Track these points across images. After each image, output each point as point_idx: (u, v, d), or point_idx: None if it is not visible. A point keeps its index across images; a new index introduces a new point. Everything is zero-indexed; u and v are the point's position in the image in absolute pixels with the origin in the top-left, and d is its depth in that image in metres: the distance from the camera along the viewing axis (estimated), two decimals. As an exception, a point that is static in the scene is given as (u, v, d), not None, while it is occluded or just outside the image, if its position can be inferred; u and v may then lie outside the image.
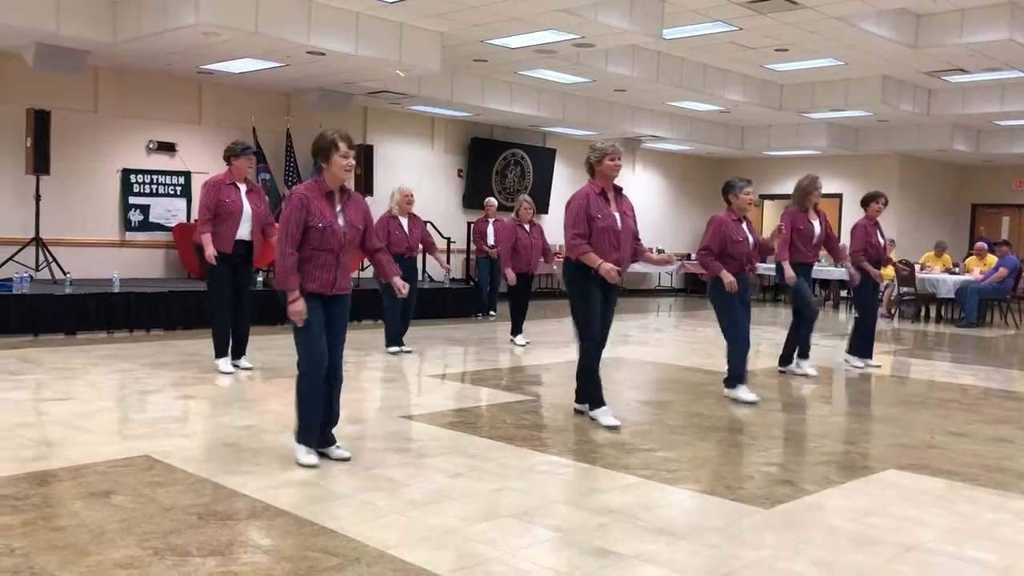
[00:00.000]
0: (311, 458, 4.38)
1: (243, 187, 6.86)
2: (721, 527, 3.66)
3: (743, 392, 6.42)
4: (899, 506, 4.05)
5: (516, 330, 9.49)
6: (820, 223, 7.65)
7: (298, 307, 4.27)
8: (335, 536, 3.39)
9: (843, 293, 16.33)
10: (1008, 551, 3.50)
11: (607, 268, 5.23)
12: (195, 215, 11.69)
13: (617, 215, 5.45)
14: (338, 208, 4.41)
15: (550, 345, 9.44)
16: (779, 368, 7.91)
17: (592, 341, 5.52)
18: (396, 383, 7.03)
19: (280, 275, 4.30)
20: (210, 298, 7.11)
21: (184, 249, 11.44)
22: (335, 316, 4.48)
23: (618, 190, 5.58)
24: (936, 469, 4.73)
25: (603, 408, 5.55)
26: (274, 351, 8.07)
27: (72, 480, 4.02)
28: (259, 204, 6.92)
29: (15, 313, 8.55)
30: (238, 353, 7.14)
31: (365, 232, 4.54)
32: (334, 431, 4.57)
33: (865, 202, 8.33)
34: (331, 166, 4.36)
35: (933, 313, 14.35)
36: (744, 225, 6.56)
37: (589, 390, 5.61)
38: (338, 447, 4.56)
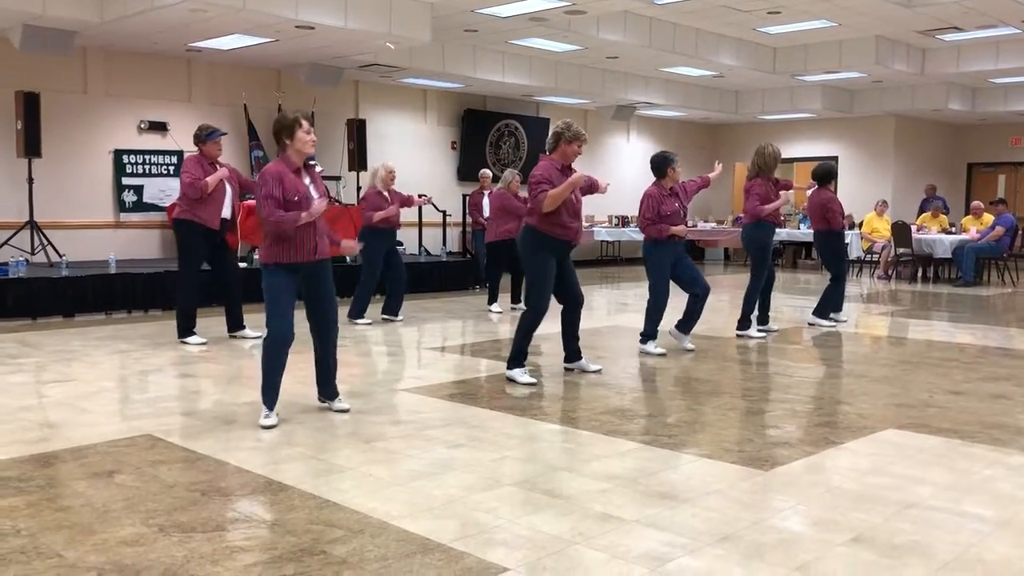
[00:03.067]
0: (271, 420, 4.67)
1: (220, 169, 7.25)
2: (722, 490, 3.68)
3: (652, 347, 7.05)
4: (898, 465, 4.07)
5: (516, 299, 9.66)
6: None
7: (319, 207, 4.66)
8: (338, 509, 3.42)
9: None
10: (1006, 506, 3.53)
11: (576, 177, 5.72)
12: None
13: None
14: (307, 181, 4.77)
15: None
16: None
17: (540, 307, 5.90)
18: (395, 356, 7.05)
19: (285, 226, 4.58)
20: (185, 274, 7.35)
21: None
22: (321, 279, 4.83)
23: (571, 169, 5.88)
24: (934, 427, 4.76)
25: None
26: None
27: (75, 461, 4.04)
28: (233, 181, 7.40)
29: (12, 297, 8.54)
30: (239, 324, 7.56)
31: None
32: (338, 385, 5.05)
33: (824, 178, 8.64)
34: (295, 142, 4.70)
35: (931, 273, 14.37)
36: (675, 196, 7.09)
37: (526, 348, 5.98)
38: (340, 400, 5.02)
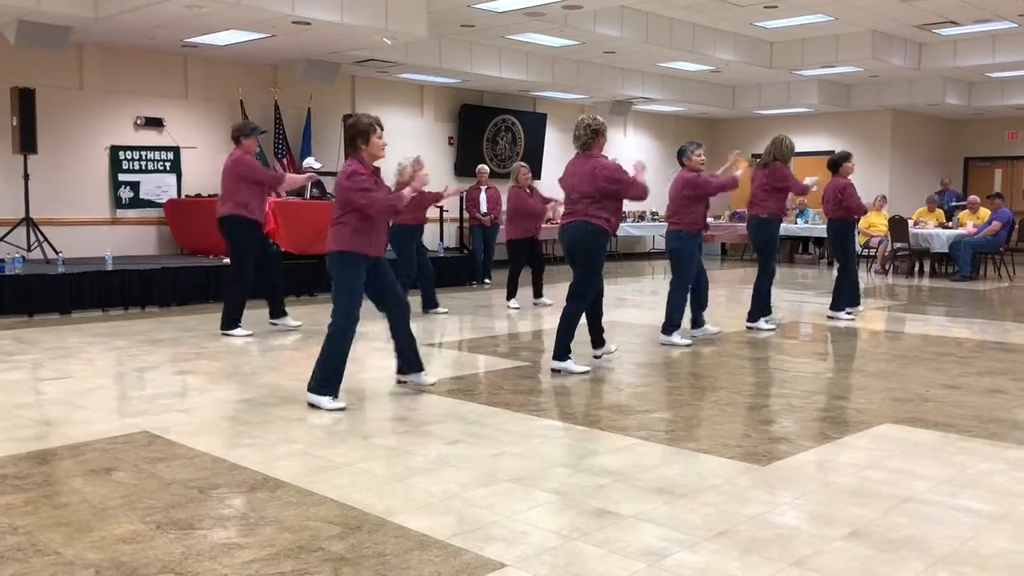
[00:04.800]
0: (338, 403, 4.93)
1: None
2: (719, 485, 3.69)
3: (678, 337, 7.21)
4: (895, 459, 4.08)
5: (538, 293, 9.82)
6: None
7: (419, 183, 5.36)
8: (336, 505, 3.42)
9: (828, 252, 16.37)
10: (1002, 500, 3.54)
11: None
12: (186, 190, 11.70)
13: None
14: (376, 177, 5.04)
15: (550, 309, 9.46)
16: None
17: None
18: (393, 352, 7.05)
19: (391, 206, 4.97)
20: (242, 269, 7.51)
21: (176, 224, 11.41)
22: (385, 269, 5.13)
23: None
24: (931, 422, 4.77)
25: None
26: (269, 325, 8.08)
27: (72, 458, 4.04)
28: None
29: (8, 294, 8.53)
30: (281, 311, 7.85)
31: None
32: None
33: (837, 164, 8.84)
34: (370, 146, 4.99)
35: (927, 268, 14.38)
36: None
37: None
38: (425, 373, 5.43)
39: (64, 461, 4.01)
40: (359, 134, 4.97)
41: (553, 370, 6.02)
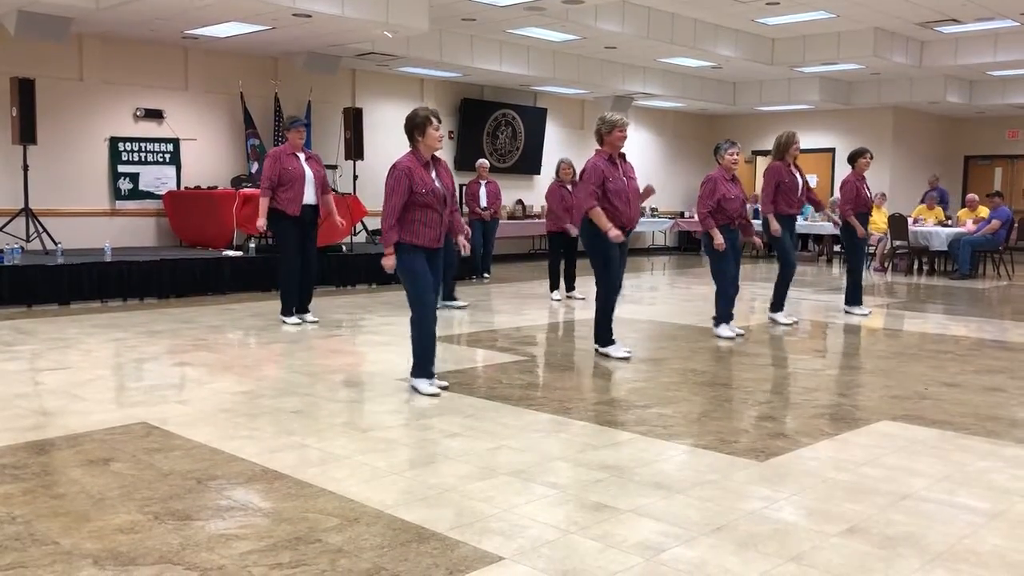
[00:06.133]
0: (433, 388, 5.14)
1: (302, 156, 7.65)
2: (716, 480, 3.69)
3: (724, 330, 7.34)
4: (892, 456, 4.09)
5: (571, 287, 10.12)
6: (800, 176, 8.14)
7: (389, 262, 5.06)
8: (334, 497, 3.42)
9: (836, 248, 16.38)
10: (999, 497, 3.55)
11: (614, 234, 6.00)
12: (185, 182, 11.71)
13: (625, 179, 6.20)
14: (433, 174, 5.09)
15: (550, 302, 9.46)
16: (770, 315, 8.36)
17: (610, 287, 6.36)
18: (392, 346, 7.05)
19: (384, 236, 5.05)
20: (281, 258, 7.82)
21: (175, 216, 11.41)
22: (435, 265, 5.23)
23: (622, 156, 6.28)
24: (929, 419, 4.78)
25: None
26: (268, 317, 8.08)
27: (70, 448, 4.04)
28: (319, 170, 7.77)
29: (7, 284, 8.53)
30: (304, 307, 7.88)
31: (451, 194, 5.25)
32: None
33: (852, 158, 8.81)
34: (426, 138, 5.03)
35: (926, 266, 14.38)
36: (734, 183, 7.29)
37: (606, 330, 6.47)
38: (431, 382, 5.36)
39: (62, 451, 4.01)
40: (416, 127, 5.05)
41: (597, 352, 6.53)
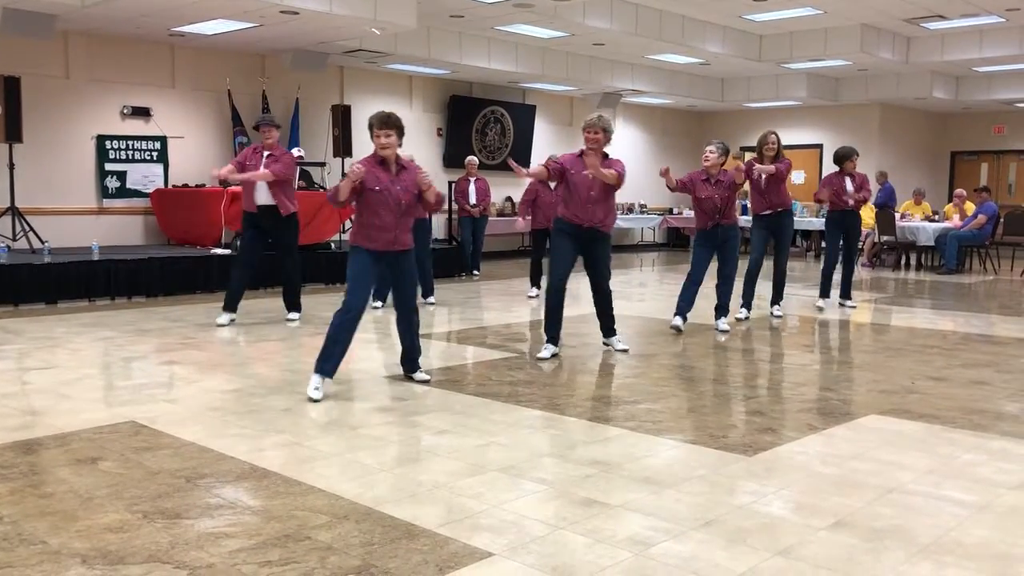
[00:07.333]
0: (318, 393, 4.94)
1: (267, 153, 7.55)
2: (705, 475, 3.71)
3: (676, 321, 7.52)
4: (879, 450, 4.11)
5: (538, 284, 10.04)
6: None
7: (354, 174, 4.96)
8: (323, 495, 3.42)
9: (823, 244, 16.43)
10: (985, 490, 3.57)
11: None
12: (173, 180, 11.67)
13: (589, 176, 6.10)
14: (391, 177, 5.11)
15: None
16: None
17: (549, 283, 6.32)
18: (381, 343, 7.05)
19: (329, 198, 5.13)
20: (235, 255, 7.91)
21: (163, 214, 11.36)
22: (400, 269, 5.24)
23: (604, 155, 6.20)
24: (916, 413, 4.81)
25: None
26: (256, 315, 8.06)
27: (58, 447, 4.02)
28: (268, 164, 7.51)
29: (-6, 284, 8.48)
30: (288, 307, 7.91)
31: (421, 194, 5.22)
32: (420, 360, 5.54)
33: (840, 159, 9.04)
34: (374, 142, 5.13)
35: (913, 261, 14.46)
36: (712, 182, 7.34)
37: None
38: (421, 372, 5.52)
39: (50, 450, 3.99)
40: (369, 129, 5.18)
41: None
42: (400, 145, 5.17)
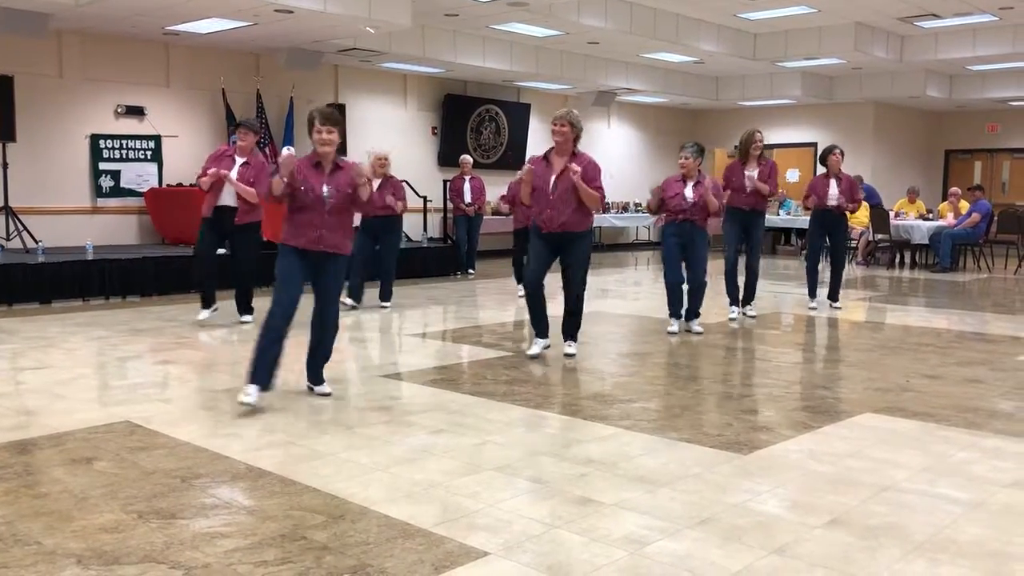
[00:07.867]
0: (249, 398, 4.67)
1: (240, 159, 7.37)
2: (700, 473, 3.71)
3: (672, 326, 7.38)
4: (874, 448, 4.12)
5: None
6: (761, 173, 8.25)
7: (284, 167, 4.70)
8: (319, 494, 3.42)
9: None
10: (979, 488, 3.59)
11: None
12: (167, 180, 11.64)
13: (551, 178, 5.97)
14: (324, 177, 4.82)
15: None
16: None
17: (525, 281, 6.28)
18: (377, 343, 7.05)
19: (263, 194, 5.07)
20: (195, 254, 7.70)
21: (157, 214, 11.34)
22: (322, 271, 4.88)
23: (574, 153, 6.01)
24: (910, 411, 4.82)
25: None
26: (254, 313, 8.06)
27: (53, 448, 4.02)
28: (245, 175, 7.29)
29: (-12, 283, 8.45)
30: (241, 309, 7.75)
31: (354, 194, 4.89)
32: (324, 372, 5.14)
33: (823, 158, 9.00)
34: (313, 139, 4.83)
35: (907, 259, 14.49)
36: (687, 183, 7.33)
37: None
38: (323, 384, 5.08)
39: (45, 450, 3.98)
40: (308, 127, 4.87)
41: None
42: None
